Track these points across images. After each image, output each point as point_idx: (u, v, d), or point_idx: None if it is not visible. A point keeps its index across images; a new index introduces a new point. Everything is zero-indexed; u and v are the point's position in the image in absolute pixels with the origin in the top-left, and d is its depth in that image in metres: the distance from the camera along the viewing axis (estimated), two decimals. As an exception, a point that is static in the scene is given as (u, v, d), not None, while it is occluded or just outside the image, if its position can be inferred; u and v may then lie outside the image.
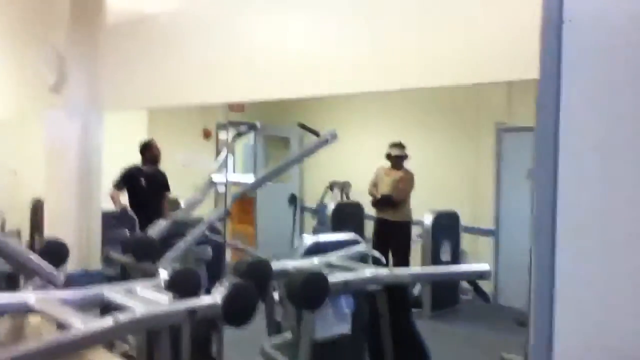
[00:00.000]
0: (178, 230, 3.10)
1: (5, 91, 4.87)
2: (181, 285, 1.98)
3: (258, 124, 5.73)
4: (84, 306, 2.11)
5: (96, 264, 3.35)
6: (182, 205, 4.29)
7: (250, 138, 7.21)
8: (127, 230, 4.30)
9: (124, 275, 2.88)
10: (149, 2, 3.55)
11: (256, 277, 2.35)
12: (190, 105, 3.92)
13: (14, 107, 4.69)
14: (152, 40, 3.44)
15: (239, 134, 5.65)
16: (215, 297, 1.89)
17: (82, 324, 1.75)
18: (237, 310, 1.93)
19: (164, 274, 2.20)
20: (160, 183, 5.29)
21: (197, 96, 3.21)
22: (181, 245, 2.84)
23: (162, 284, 2.14)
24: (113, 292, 2.20)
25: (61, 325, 1.88)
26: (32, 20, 4.24)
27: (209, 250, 3.17)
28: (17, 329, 2.23)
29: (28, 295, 2.22)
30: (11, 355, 1.58)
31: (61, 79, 3.82)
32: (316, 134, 3.18)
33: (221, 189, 3.87)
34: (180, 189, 5.23)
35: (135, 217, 4.78)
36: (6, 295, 2.34)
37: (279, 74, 2.64)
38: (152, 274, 2.47)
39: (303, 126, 3.44)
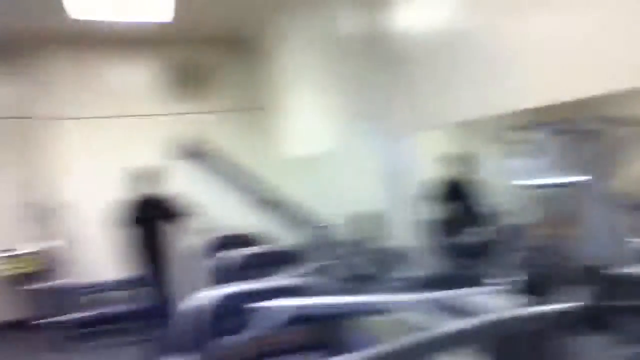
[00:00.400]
0: (503, 236, 3.09)
1: (329, 127, 5.57)
2: (536, 288, 1.93)
3: (556, 124, 5.32)
4: (436, 308, 2.22)
5: (429, 268, 3.54)
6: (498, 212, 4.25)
7: (551, 138, 6.82)
8: (458, 237, 4.44)
9: (460, 278, 2.96)
10: (435, 21, 3.65)
11: (598, 284, 2.18)
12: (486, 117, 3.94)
13: (342, 138, 5.34)
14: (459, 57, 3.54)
15: (539, 135, 5.35)
16: (572, 303, 1.80)
17: (438, 326, 1.78)
18: (598, 318, 1.81)
19: (509, 278, 2.19)
20: (475, 192, 5.41)
21: (493, 106, 3.23)
22: (516, 249, 2.81)
23: (509, 288, 2.13)
24: (456, 296, 2.28)
25: (413, 327, 1.99)
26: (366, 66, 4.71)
27: (539, 254, 3.07)
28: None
29: (379, 297, 2.44)
30: (391, 348, 1.69)
31: (377, 111, 4.22)
32: (624, 124, 2.86)
33: (534, 192, 3.73)
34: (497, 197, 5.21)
35: (459, 224, 4.93)
36: (359, 297, 2.60)
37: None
38: (485, 278, 2.50)
39: (606, 119, 3.11)
